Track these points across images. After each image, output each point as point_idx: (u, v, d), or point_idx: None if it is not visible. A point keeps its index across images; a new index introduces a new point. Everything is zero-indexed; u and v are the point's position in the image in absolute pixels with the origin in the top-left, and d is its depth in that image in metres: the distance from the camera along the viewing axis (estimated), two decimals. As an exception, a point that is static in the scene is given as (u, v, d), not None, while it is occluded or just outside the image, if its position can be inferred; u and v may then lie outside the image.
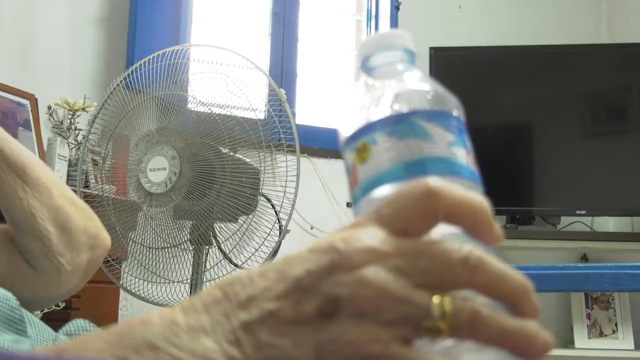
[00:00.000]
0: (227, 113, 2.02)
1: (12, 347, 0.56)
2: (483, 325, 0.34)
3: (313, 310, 0.34)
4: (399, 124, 0.42)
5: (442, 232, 0.37)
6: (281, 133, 2.05)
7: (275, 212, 2.04)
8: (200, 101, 2.03)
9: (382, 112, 0.43)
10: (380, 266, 0.35)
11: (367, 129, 0.43)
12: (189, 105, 2.05)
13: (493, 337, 0.35)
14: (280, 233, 2.04)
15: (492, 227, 0.38)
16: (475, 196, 0.38)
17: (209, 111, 2.02)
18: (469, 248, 0.35)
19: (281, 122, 2.07)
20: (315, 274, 0.35)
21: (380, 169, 0.42)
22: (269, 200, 2.05)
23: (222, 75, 2.04)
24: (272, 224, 2.05)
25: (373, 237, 0.36)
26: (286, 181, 2.05)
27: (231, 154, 2.00)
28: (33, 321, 0.65)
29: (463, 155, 0.42)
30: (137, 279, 2.04)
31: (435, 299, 0.34)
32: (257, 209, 2.04)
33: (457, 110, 0.44)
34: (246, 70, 2.06)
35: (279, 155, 2.07)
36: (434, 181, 0.36)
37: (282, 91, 2.12)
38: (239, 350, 0.34)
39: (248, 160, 2.03)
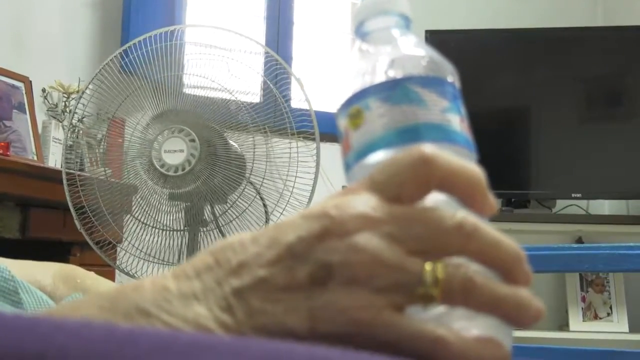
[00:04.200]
0: (234, 97, 2.02)
1: None
2: (476, 292, 0.34)
3: (305, 277, 0.34)
4: (393, 90, 0.42)
5: (436, 199, 0.37)
6: (289, 117, 2.06)
7: (262, 199, 2.04)
8: (206, 85, 2.02)
9: (376, 77, 0.43)
10: (372, 233, 0.34)
11: (361, 94, 0.43)
12: (200, 90, 2.04)
13: (485, 304, 0.34)
14: (266, 221, 2.05)
15: (486, 196, 0.37)
16: (470, 165, 0.37)
17: (216, 95, 2.01)
18: (463, 214, 0.35)
19: (292, 108, 2.07)
20: (307, 241, 0.34)
21: (373, 135, 0.41)
22: (256, 190, 2.05)
23: (232, 60, 2.03)
24: (282, 210, 2.06)
25: (366, 203, 0.35)
26: (297, 167, 2.05)
27: (234, 138, 2.00)
28: (29, 290, 0.65)
29: (457, 121, 0.42)
30: (133, 257, 2.05)
31: (428, 266, 0.34)
32: (264, 193, 2.05)
33: (451, 77, 0.44)
34: (258, 55, 2.06)
35: (283, 139, 2.08)
36: (428, 148, 0.36)
37: (299, 78, 2.11)
38: (230, 317, 0.33)
39: (252, 144, 2.03)
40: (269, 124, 2.04)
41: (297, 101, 3.12)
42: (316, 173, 2.04)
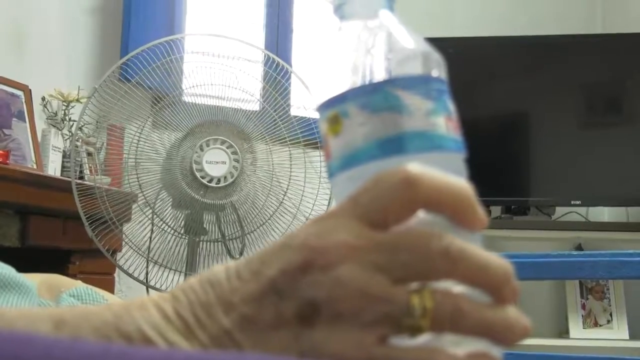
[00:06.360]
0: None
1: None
2: (464, 319, 0.34)
3: (291, 314, 0.33)
4: (372, 95, 0.39)
5: (422, 218, 0.35)
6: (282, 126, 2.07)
7: (238, 214, 2.04)
8: (213, 94, 2.04)
9: (354, 78, 0.40)
10: (356, 263, 0.33)
11: (338, 98, 0.40)
12: (200, 98, 2.05)
13: (473, 330, 0.34)
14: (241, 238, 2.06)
15: (474, 213, 0.36)
16: (457, 182, 0.36)
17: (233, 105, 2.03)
18: (449, 239, 0.34)
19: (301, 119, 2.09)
20: (290, 274, 0.34)
21: (353, 146, 0.39)
22: (232, 205, 2.05)
23: (239, 70, 2.04)
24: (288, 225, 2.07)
25: (348, 230, 0.34)
26: (304, 179, 2.06)
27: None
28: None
29: (443, 123, 0.39)
30: (135, 258, 2.05)
31: (416, 297, 0.33)
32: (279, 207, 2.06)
33: (437, 69, 0.41)
34: (259, 63, 2.06)
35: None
36: (412, 168, 0.35)
37: (312, 91, 2.12)
38: None
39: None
40: (294, 135, 2.06)
41: (294, 109, 3.15)
42: (330, 199, 2.07)
